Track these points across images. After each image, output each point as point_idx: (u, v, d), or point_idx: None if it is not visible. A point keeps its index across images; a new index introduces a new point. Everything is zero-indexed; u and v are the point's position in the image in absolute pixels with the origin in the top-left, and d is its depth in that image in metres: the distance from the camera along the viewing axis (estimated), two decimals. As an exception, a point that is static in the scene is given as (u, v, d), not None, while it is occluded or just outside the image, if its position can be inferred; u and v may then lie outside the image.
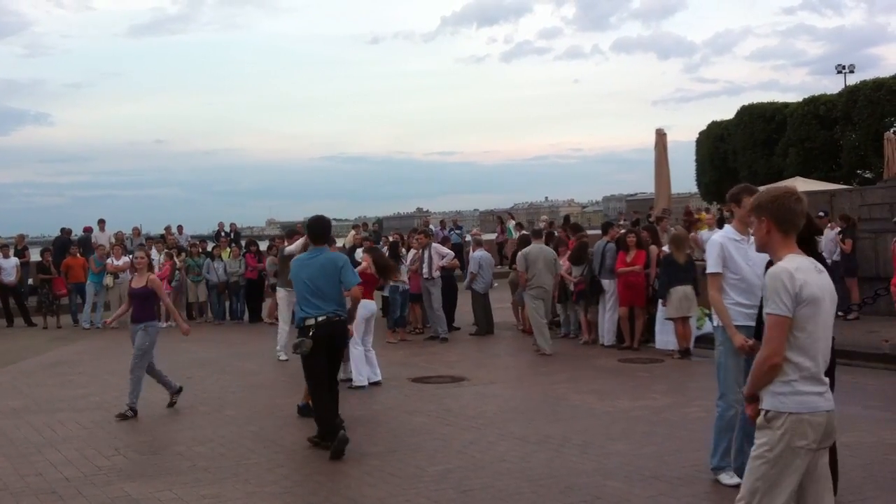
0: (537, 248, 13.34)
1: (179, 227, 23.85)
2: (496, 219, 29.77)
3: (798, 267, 3.74)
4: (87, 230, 22.14)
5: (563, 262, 13.97)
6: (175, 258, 18.76)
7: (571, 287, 13.80)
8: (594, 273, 13.36)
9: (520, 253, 13.53)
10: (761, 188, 4.18)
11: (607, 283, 13.15)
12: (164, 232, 22.59)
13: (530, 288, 13.05)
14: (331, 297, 7.57)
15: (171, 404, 9.52)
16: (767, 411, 3.75)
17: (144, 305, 9.34)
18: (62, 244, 20.69)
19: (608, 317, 13.22)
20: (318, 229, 7.95)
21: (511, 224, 27.80)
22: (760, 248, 4.06)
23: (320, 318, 7.45)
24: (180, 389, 9.63)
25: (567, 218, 26.06)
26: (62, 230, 21.67)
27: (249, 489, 6.49)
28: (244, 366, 12.46)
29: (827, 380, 3.80)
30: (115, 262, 18.47)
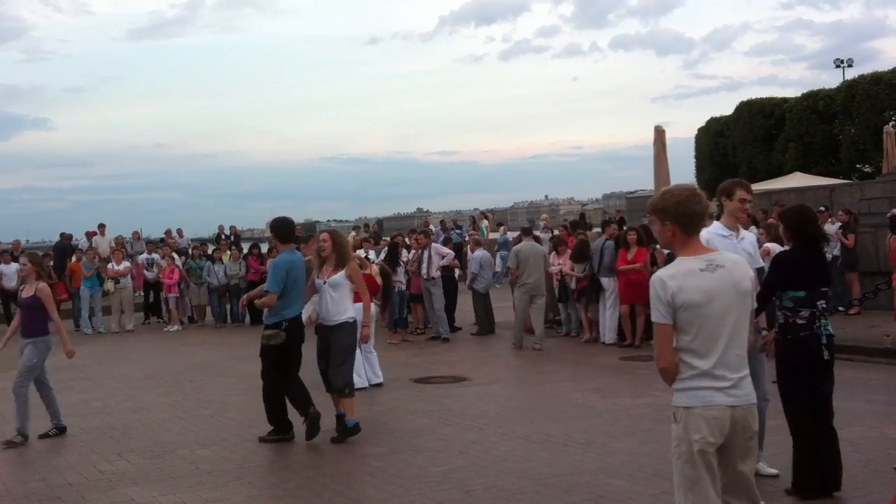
0: (528, 245, 13.70)
1: (179, 231, 23.87)
2: (469, 218, 29.55)
3: (674, 273, 3.78)
4: (91, 235, 22.18)
5: (564, 261, 14.02)
6: (177, 261, 18.82)
7: (573, 285, 13.83)
8: (594, 271, 13.38)
9: (512, 250, 13.88)
10: (672, 187, 4.14)
11: (606, 281, 13.17)
12: (164, 235, 22.59)
13: (521, 284, 13.32)
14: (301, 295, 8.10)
15: (45, 435, 8.49)
16: (672, 407, 3.84)
17: (33, 317, 8.48)
18: (63, 249, 20.73)
19: (609, 315, 13.24)
20: (288, 230, 8.43)
21: (484, 224, 27.73)
22: (665, 248, 4.09)
23: (292, 317, 7.91)
24: (64, 429, 8.64)
25: (583, 216, 25.91)
26: (62, 235, 21.73)
27: (252, 492, 6.50)
28: (246, 368, 12.39)
29: (735, 376, 3.76)
30: (116, 268, 18.47)
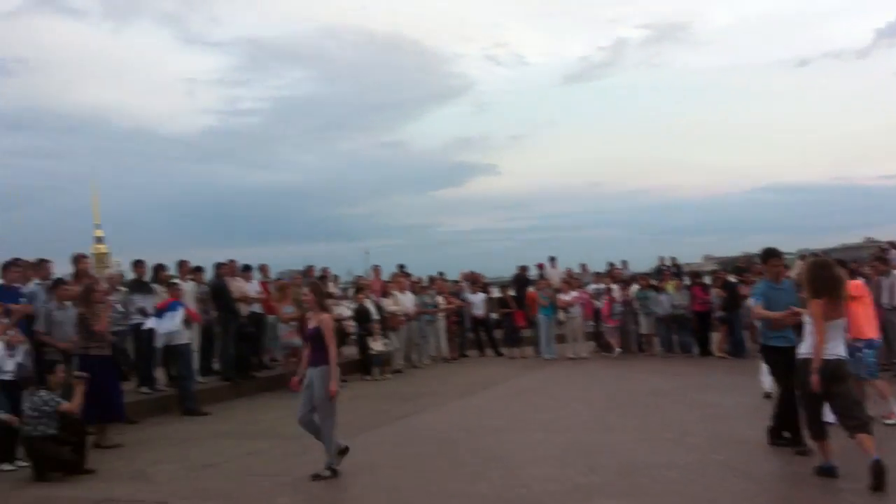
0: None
1: (624, 262, 24.72)
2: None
3: None
4: (540, 266, 23.88)
5: None
6: (614, 293, 19.54)
7: None
8: None
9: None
10: None
11: None
12: (608, 267, 23.49)
13: None
14: None
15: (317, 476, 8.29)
16: None
17: (316, 348, 8.45)
18: (521, 280, 22.54)
19: None
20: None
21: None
22: None
23: None
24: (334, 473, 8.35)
25: None
26: (519, 268, 23.60)
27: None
28: (701, 397, 12.51)
29: None
30: (565, 297, 19.64)
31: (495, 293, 23.41)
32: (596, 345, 20.05)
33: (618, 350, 19.05)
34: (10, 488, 8.46)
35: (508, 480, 7.94)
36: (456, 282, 22.14)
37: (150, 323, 12.84)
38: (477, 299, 20.98)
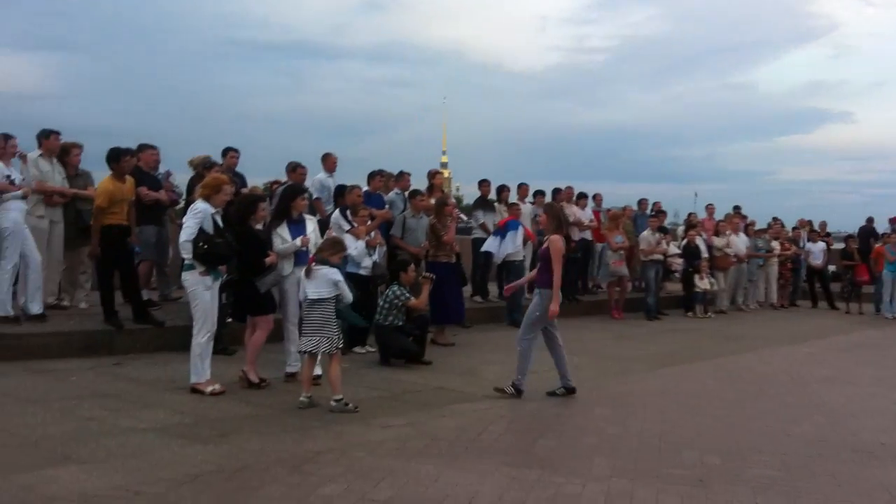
0: None
1: None
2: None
3: None
4: (893, 221, 22.00)
5: None
6: None
7: None
8: None
9: None
10: None
11: None
12: None
13: None
14: None
15: (552, 393, 8.43)
16: None
17: (542, 269, 8.32)
18: (867, 232, 21.00)
19: None
20: None
21: None
22: None
23: None
24: (573, 390, 8.48)
25: None
26: (867, 220, 21.95)
27: None
28: None
29: None
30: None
31: (837, 245, 22.01)
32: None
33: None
34: (360, 367, 9.64)
35: (835, 426, 7.68)
36: (795, 228, 21.06)
37: (488, 245, 13.50)
38: (816, 248, 19.97)
